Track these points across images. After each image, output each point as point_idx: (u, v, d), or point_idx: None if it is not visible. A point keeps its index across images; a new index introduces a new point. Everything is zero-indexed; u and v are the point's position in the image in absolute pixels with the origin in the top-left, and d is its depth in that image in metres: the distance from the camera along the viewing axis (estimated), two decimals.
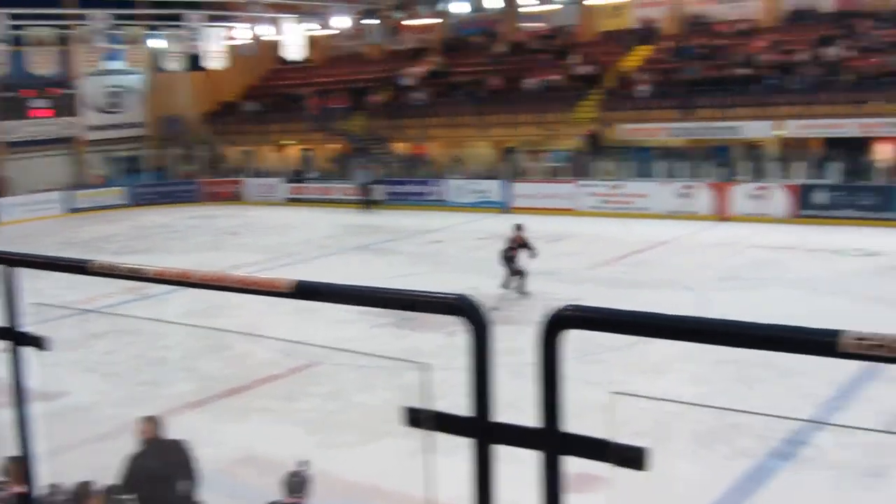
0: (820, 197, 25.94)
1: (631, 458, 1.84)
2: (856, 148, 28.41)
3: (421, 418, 2.07)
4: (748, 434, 9.78)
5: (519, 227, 18.30)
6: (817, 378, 11.23)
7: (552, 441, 1.88)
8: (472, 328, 1.91)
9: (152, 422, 7.34)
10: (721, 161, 29.55)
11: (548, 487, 1.89)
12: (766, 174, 28.10)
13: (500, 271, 17.95)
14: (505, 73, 37.17)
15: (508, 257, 17.83)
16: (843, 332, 1.52)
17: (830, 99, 28.73)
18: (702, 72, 32.10)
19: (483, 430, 1.96)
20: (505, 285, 17.75)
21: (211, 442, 10.33)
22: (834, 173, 26.54)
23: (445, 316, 1.94)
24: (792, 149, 29.96)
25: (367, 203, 33.77)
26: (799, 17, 34.70)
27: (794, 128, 28.86)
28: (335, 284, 2.15)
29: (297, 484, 6.63)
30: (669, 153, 31.23)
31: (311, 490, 6.74)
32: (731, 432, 9.87)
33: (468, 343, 1.92)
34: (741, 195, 27.15)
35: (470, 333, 1.92)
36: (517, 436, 1.94)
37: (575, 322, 1.84)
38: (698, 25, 36.47)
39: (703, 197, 27.69)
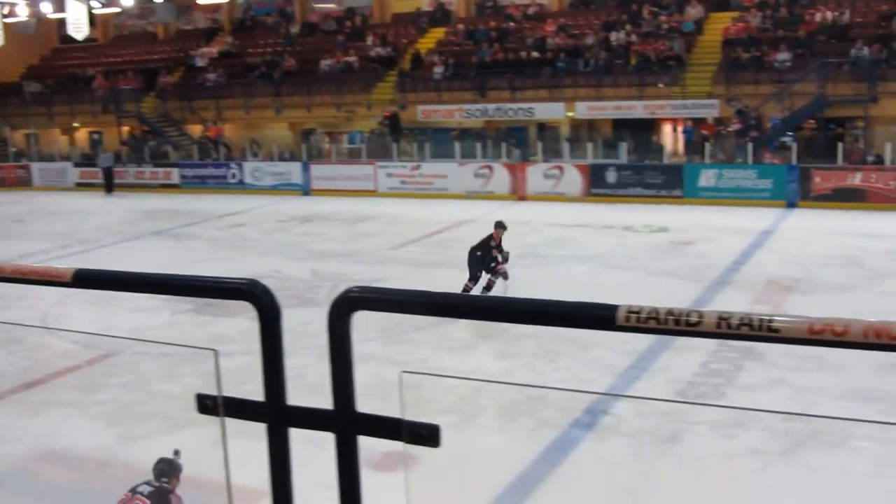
0: (610, 176, 26.92)
1: (424, 435, 1.85)
2: (642, 129, 29.68)
3: (212, 405, 2.03)
4: (552, 406, 10.05)
5: (501, 226, 15.27)
6: (614, 349, 11.65)
7: (345, 422, 1.87)
8: (262, 313, 1.88)
9: None
10: (516, 142, 30.26)
11: (343, 468, 1.89)
12: (560, 155, 28.92)
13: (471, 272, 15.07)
14: (300, 55, 36.86)
15: (477, 256, 14.92)
16: (619, 306, 1.57)
17: (617, 82, 29.87)
18: (494, 54, 32.72)
19: (275, 414, 1.93)
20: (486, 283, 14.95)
21: (6, 440, 9.86)
22: (623, 153, 27.56)
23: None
24: (583, 130, 31.03)
25: (109, 186, 33.43)
26: (585, 3, 35.86)
27: (584, 109, 29.84)
28: (117, 272, 2.06)
29: (164, 470, 6.61)
30: (466, 134, 31.75)
31: (181, 478, 6.67)
32: (535, 405, 10.12)
33: (259, 328, 1.89)
34: (536, 175, 27.84)
35: (260, 318, 1.88)
36: (310, 418, 1.92)
37: (362, 304, 1.83)
38: (490, 8, 37.17)
39: (499, 177, 28.25)
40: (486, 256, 14.80)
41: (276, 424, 1.94)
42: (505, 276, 14.70)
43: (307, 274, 17.76)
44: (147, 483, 6.62)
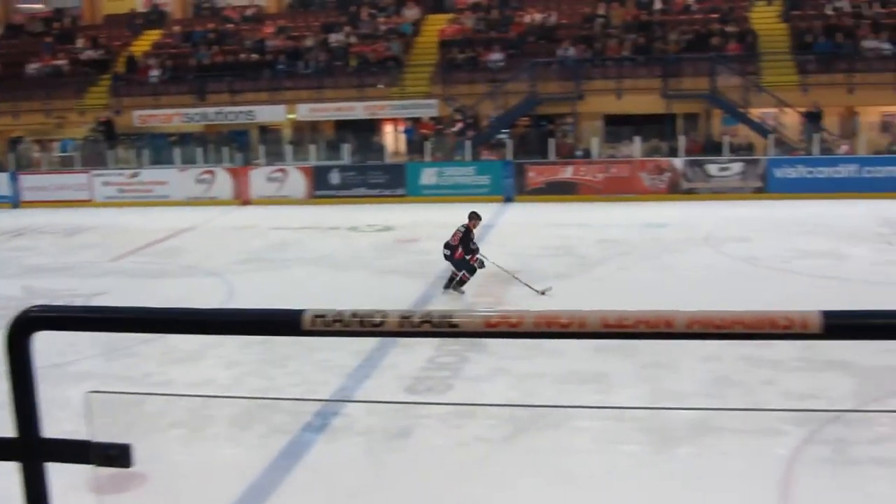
0: (334, 177, 27.05)
1: (114, 456, 1.77)
2: (364, 129, 30.02)
3: None
4: (283, 411, 9.96)
5: (477, 216, 15.33)
6: (343, 350, 11.67)
7: (29, 449, 1.76)
8: None
9: None
10: (238, 145, 29.88)
11: (31, 499, 1.78)
12: (283, 157, 28.77)
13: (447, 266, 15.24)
14: (4, 58, 34.82)
15: (462, 253, 14.79)
16: (304, 311, 1.56)
17: (338, 83, 30.07)
18: (213, 57, 32.16)
19: None
20: (451, 286, 15.05)
21: None
22: (346, 154, 27.76)
23: None
24: (305, 132, 31.03)
25: None
26: (304, 5, 35.91)
27: (305, 111, 29.85)
28: None
29: None
30: (187, 139, 31.05)
31: None
32: (266, 411, 9.99)
33: None
34: (260, 179, 27.58)
35: None
36: None
37: (44, 323, 1.73)
38: (207, 10, 36.53)
39: (222, 182, 27.78)
40: (469, 249, 14.81)
41: None
42: (481, 265, 15.05)
43: (19, 291, 16.74)
44: None
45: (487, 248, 19.14)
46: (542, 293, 14.42)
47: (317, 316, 1.53)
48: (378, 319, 1.52)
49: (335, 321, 1.53)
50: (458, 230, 15.04)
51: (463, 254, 14.77)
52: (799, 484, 7.77)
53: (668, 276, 16.05)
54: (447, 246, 14.99)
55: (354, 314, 1.52)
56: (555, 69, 28.76)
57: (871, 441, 8.58)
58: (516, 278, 14.91)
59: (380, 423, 9.57)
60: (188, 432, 9.25)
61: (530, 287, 14.63)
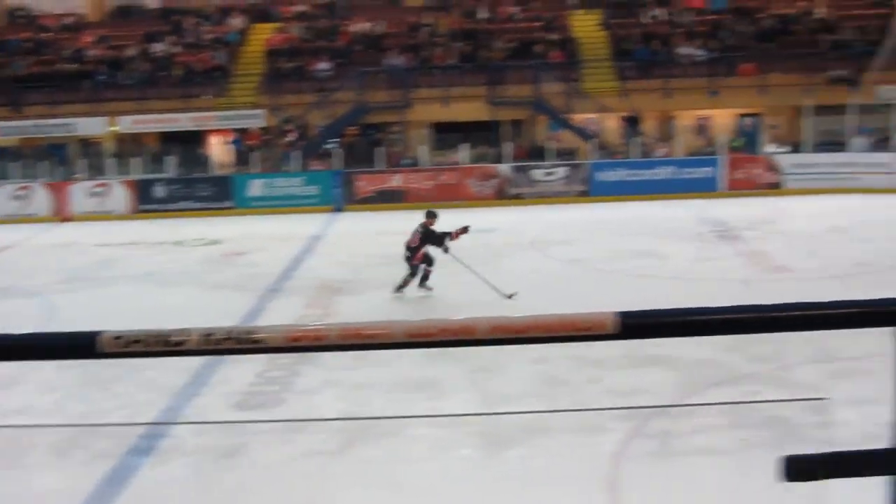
0: (159, 191, 26.42)
1: None
2: (190, 141, 29.40)
3: None
4: (106, 436, 9.63)
5: (432, 214, 15.45)
6: (169, 369, 11.35)
7: None
8: None
9: None
10: (57, 159, 28.82)
11: None
12: (105, 171, 27.89)
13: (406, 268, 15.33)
14: None
15: (428, 250, 15.13)
16: (101, 333, 1.50)
17: (161, 94, 29.32)
18: (29, 67, 30.96)
19: None
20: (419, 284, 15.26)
21: None
22: (171, 167, 27.12)
23: None
24: (128, 144, 30.15)
25: None
26: (125, 13, 34.97)
27: (128, 123, 29.01)
28: None
29: None
30: (1, 153, 29.76)
31: None
32: (87, 436, 9.64)
33: None
34: (81, 194, 26.67)
35: None
36: None
37: None
38: (21, 18, 35.12)
39: (40, 198, 26.72)
40: (436, 244, 15.02)
41: None
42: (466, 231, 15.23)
43: None
44: None
45: (317, 259, 19.12)
46: (510, 297, 14.36)
47: (115, 337, 1.47)
48: (180, 338, 1.47)
49: (134, 342, 1.47)
50: (416, 231, 15.22)
51: (421, 258, 15.05)
52: (626, 477, 8.01)
53: (495, 281, 16.28)
54: (408, 248, 15.17)
55: (154, 334, 1.47)
56: (382, 78, 28.85)
57: (694, 432, 8.93)
58: (487, 282, 14.71)
59: (210, 442, 9.39)
60: (4, 462, 8.86)
61: (497, 290, 14.49)
